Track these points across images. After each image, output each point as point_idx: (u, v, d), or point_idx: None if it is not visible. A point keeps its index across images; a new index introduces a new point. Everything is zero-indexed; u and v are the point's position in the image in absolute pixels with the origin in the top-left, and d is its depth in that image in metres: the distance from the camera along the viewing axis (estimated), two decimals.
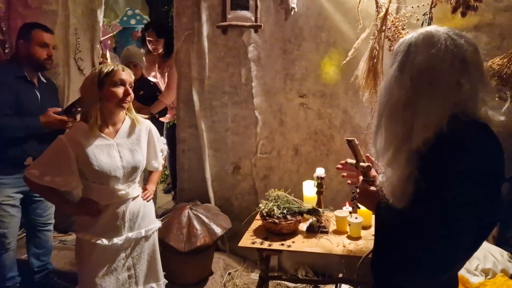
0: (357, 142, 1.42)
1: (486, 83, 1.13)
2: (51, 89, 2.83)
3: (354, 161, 1.46)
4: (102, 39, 5.30)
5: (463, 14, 1.87)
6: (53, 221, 2.95)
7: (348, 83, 2.83)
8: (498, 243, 2.61)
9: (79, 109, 2.35)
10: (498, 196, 1.13)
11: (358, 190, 1.41)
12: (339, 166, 1.60)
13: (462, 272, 2.42)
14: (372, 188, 1.34)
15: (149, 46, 3.86)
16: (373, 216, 2.34)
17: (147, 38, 3.84)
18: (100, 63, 1.99)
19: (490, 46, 2.54)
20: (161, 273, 2.26)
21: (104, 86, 1.91)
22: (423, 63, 1.10)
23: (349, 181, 1.59)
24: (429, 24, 2.05)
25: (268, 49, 2.96)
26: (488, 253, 2.50)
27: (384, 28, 2.15)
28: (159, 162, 2.25)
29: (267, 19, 2.92)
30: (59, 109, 2.55)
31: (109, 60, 1.96)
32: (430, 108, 1.08)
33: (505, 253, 2.52)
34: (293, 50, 2.92)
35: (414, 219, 1.07)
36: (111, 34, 6.96)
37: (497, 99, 1.95)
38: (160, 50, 3.87)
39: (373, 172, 1.43)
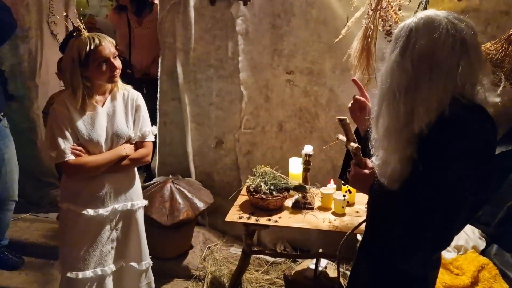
0: (348, 121, 1.43)
1: (484, 65, 1.17)
2: None
3: (345, 139, 1.46)
4: None
5: None
6: (14, 198, 2.83)
7: (336, 61, 2.84)
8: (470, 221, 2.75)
9: None
10: (492, 175, 1.18)
11: (349, 174, 1.41)
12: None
13: None
14: (365, 171, 1.35)
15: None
16: (356, 194, 2.40)
17: None
18: (73, 34, 1.84)
19: None
20: (145, 255, 2.21)
21: (87, 67, 1.84)
22: (424, 48, 1.11)
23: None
24: (425, 6, 2.07)
25: (257, 23, 2.90)
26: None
27: (379, 7, 2.15)
28: (148, 132, 2.16)
29: None
30: None
31: (84, 32, 1.82)
32: (432, 92, 1.10)
33: (476, 230, 2.66)
34: (282, 26, 2.87)
35: (413, 200, 1.10)
36: None
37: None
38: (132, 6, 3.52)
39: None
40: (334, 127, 2.93)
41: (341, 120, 1.40)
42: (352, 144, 1.36)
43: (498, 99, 1.18)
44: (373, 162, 1.27)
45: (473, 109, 1.13)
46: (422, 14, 1.16)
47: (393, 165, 1.15)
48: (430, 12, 1.16)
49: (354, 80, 1.60)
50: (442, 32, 1.09)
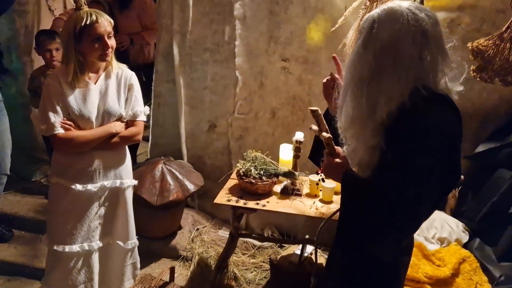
0: (320, 112, 1.45)
1: (446, 54, 1.16)
2: None
3: (318, 129, 1.48)
4: None
5: None
6: (6, 172, 2.82)
7: (331, 51, 2.84)
8: (454, 214, 2.80)
9: None
10: (458, 161, 1.22)
11: (322, 164, 1.44)
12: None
13: (420, 240, 2.60)
14: (337, 160, 1.37)
15: None
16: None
17: None
18: (75, 9, 1.87)
19: (470, 28, 2.62)
20: (132, 235, 2.23)
21: (81, 41, 1.85)
22: (386, 40, 1.12)
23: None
24: (421, 0, 2.08)
25: (255, 9, 2.90)
26: (445, 223, 2.68)
27: None
28: (139, 111, 2.17)
29: None
30: None
31: (84, 7, 1.84)
32: (393, 83, 1.12)
33: (460, 224, 2.71)
34: (280, 13, 2.87)
35: (382, 187, 1.13)
36: None
37: (478, 79, 2.06)
38: None
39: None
40: None
41: (313, 111, 1.42)
42: (324, 134, 1.39)
43: (461, 88, 1.19)
44: (344, 151, 1.30)
45: (435, 99, 1.14)
46: (385, 5, 1.16)
47: (361, 155, 1.18)
48: (394, 3, 1.16)
49: (334, 58, 1.59)
50: (403, 23, 1.10)
